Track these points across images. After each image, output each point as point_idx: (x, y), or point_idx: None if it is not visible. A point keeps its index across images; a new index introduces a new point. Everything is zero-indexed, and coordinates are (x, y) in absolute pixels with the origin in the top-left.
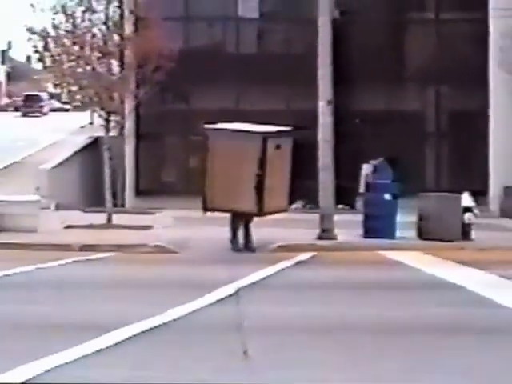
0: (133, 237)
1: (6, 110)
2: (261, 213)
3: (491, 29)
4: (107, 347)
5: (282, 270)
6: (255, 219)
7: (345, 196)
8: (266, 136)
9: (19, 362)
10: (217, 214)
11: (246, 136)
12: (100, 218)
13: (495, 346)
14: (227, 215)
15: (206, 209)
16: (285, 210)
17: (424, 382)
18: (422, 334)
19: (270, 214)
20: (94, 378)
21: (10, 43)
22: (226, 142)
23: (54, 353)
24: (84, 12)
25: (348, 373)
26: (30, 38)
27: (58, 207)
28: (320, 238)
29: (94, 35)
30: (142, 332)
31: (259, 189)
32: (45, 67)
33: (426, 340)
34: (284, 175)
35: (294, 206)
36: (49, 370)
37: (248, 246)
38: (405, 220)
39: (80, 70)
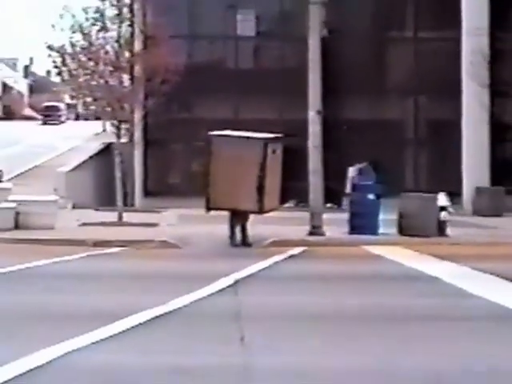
0: (141, 233)
1: (29, 119)
2: (261, 211)
3: (463, 46)
4: (118, 333)
5: (276, 263)
6: (251, 217)
7: (332, 196)
8: (266, 142)
9: (39, 346)
10: (217, 212)
11: (248, 142)
12: (112, 216)
13: (466, 332)
14: (225, 214)
15: (209, 208)
16: (276, 209)
17: (402, 364)
18: (402, 321)
19: (268, 212)
20: (106, 361)
21: (31, 59)
22: (229, 147)
23: (70, 338)
24: (98, 31)
25: (334, 357)
26: (49, 55)
27: (73, 206)
28: (310, 234)
29: (107, 52)
30: (150, 319)
31: (260, 189)
32: (63, 80)
33: (406, 326)
34: (277, 177)
35: (286, 204)
36: (65, 354)
37: (245, 242)
38: (387, 218)
39: (94, 82)
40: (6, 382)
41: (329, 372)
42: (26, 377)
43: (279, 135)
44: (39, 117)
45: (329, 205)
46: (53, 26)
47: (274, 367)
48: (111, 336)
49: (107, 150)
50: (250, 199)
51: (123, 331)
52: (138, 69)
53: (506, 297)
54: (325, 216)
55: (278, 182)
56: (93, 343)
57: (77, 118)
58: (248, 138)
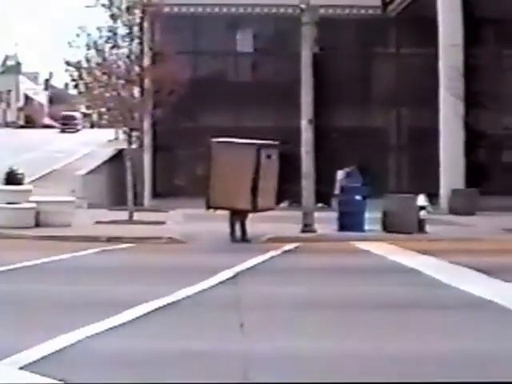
0: (150, 230)
1: (48, 127)
2: (254, 209)
3: (441, 61)
4: (128, 321)
5: (272, 257)
6: (249, 216)
7: (323, 197)
8: (259, 147)
9: (61, 331)
10: (218, 211)
11: (243, 147)
12: (123, 215)
13: (440, 318)
14: (226, 213)
15: (209, 207)
16: (273, 209)
17: (386, 347)
18: (387, 308)
19: (262, 211)
20: (121, 345)
21: (51, 73)
22: (227, 152)
23: (86, 325)
24: (111, 48)
25: (325, 341)
26: (67, 70)
27: (89, 206)
28: (303, 231)
29: (119, 66)
30: (159, 308)
31: (254, 190)
32: (79, 92)
33: (389, 313)
34: (273, 179)
35: (281, 204)
36: (84, 339)
37: (244, 238)
38: (372, 216)
39: (108, 94)
40: (31, 363)
41: (321, 355)
42: (50, 359)
43: (274, 142)
44: (58, 125)
45: (320, 205)
46: (70, 44)
47: (271, 351)
48: (124, 323)
49: (119, 155)
50: (244, 199)
51: (135, 318)
52: (147, 82)
53: (477, 287)
54: (316, 215)
55: (274, 184)
56: (108, 329)
57: (92, 126)
58: (243, 144)
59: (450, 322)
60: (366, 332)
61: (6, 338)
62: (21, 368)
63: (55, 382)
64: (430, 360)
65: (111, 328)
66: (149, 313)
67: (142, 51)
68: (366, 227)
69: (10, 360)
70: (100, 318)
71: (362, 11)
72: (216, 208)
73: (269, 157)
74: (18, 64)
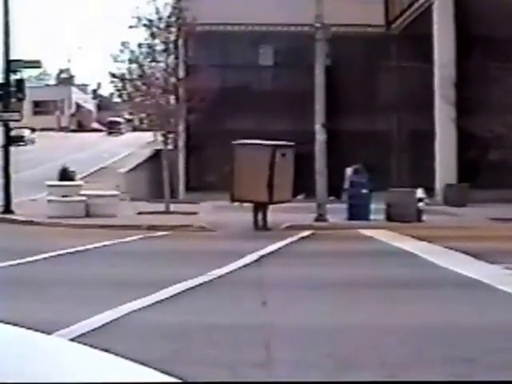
0: (184, 220)
1: (96, 131)
2: (271, 202)
3: (436, 74)
4: (165, 298)
5: (290, 243)
6: (270, 207)
7: (334, 190)
8: (274, 147)
9: (107, 307)
10: (245, 204)
11: (261, 148)
12: (161, 206)
13: (434, 295)
14: (250, 204)
15: (233, 200)
16: (289, 201)
17: (388, 321)
18: (388, 286)
19: (278, 203)
20: (159, 320)
21: (99, 84)
22: (247, 152)
23: (128, 302)
24: (150, 62)
25: (337, 316)
26: (112, 81)
27: (131, 199)
28: (316, 220)
29: (157, 78)
30: (192, 287)
31: (270, 184)
32: (123, 101)
33: (390, 291)
34: (288, 175)
35: (298, 197)
36: (127, 314)
37: (265, 226)
38: (376, 207)
39: (147, 102)
40: (81, 335)
41: (334, 328)
42: (99, 331)
43: (289, 143)
44: (104, 129)
45: (331, 197)
46: (114, 59)
47: (290, 325)
48: (162, 300)
49: (157, 154)
50: (262, 192)
51: (171, 296)
52: (181, 91)
53: (468, 268)
54: (328, 206)
55: (290, 180)
56: (147, 306)
57: (134, 130)
58: (261, 144)
59: (441, 298)
60: (370, 308)
61: (60, 312)
62: (71, 339)
63: (100, 351)
64: (421, 330)
65: (150, 305)
66: (182, 291)
67: (177, 65)
68: (372, 217)
69: (63, 332)
70: (141, 295)
71: (369, 29)
72: (239, 201)
73: (283, 155)
74: (71, 77)
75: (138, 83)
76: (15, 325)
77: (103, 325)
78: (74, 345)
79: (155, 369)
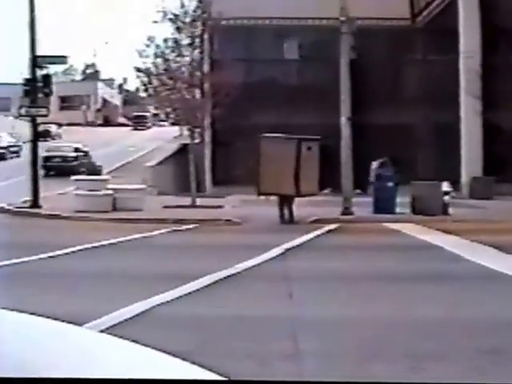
0: (210, 213)
1: (122, 126)
2: (297, 194)
3: (461, 66)
4: (193, 291)
5: (317, 236)
6: (296, 200)
7: (360, 184)
8: (299, 141)
9: (134, 300)
10: (271, 197)
11: (286, 141)
12: (187, 200)
13: (460, 287)
14: (275, 198)
15: (259, 193)
16: (315, 194)
17: (415, 312)
18: (415, 279)
19: (305, 196)
20: (187, 312)
21: (125, 79)
22: (273, 146)
23: (155, 295)
24: (176, 56)
25: (362, 308)
26: (138, 76)
27: (158, 193)
28: (343, 213)
29: (183, 72)
30: (220, 280)
31: (296, 177)
32: (149, 95)
33: (417, 284)
34: (314, 169)
35: (324, 190)
36: (155, 306)
37: (291, 220)
38: (402, 200)
39: (173, 97)
40: (110, 327)
41: (358, 320)
42: (128, 323)
43: (315, 137)
44: (131, 124)
45: (357, 191)
46: (140, 53)
47: (315, 317)
48: (190, 292)
49: (184, 149)
50: (288, 185)
51: (199, 289)
52: (207, 85)
53: (493, 261)
54: (354, 200)
55: (316, 173)
56: (175, 298)
57: (160, 124)
58: (286, 138)
59: (468, 291)
60: (396, 300)
61: (91, 305)
62: (101, 331)
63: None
64: (448, 322)
65: (178, 297)
66: (210, 284)
67: (202, 59)
68: (397, 210)
69: (93, 324)
70: (169, 288)
71: (394, 22)
72: (265, 194)
73: (309, 149)
74: (97, 72)
75: (164, 77)
76: (47, 317)
77: (132, 317)
78: (101, 336)
79: (183, 359)
